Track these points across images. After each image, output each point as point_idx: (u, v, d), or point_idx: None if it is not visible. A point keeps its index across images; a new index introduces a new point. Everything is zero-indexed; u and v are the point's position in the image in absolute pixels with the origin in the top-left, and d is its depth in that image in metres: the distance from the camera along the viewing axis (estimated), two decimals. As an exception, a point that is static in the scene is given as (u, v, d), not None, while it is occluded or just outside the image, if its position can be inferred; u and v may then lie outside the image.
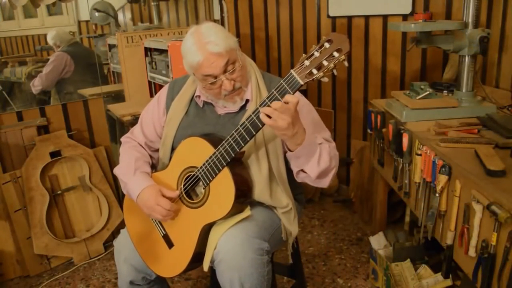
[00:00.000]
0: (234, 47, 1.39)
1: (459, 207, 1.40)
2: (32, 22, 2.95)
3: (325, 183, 1.41)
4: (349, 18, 2.82)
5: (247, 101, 1.47)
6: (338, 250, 2.48)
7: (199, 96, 1.52)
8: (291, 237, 1.53)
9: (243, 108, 1.48)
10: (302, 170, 1.37)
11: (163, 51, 2.48)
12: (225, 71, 1.36)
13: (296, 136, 1.25)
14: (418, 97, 1.88)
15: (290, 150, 1.31)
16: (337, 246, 2.52)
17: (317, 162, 1.33)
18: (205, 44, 1.34)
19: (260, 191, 1.43)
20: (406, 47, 2.60)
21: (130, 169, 1.49)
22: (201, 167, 1.38)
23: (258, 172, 1.42)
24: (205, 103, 1.52)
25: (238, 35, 3.16)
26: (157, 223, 1.51)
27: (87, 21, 3.11)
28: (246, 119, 1.28)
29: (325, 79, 1.18)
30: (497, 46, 2.13)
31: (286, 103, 1.18)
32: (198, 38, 1.36)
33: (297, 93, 1.28)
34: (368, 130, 2.22)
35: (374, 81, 2.82)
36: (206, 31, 1.37)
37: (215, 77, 1.37)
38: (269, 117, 1.20)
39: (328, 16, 2.89)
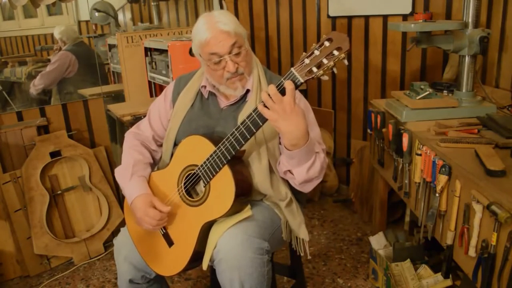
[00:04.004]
0: (243, 34, 1.44)
1: (459, 207, 1.40)
2: (32, 22, 2.95)
3: (307, 189, 1.42)
4: (349, 18, 2.82)
5: (247, 92, 1.48)
6: (338, 250, 2.48)
7: (204, 86, 1.54)
8: (301, 227, 1.53)
9: (243, 100, 1.49)
10: (289, 171, 1.38)
11: (163, 51, 2.48)
12: (230, 52, 1.39)
13: (290, 134, 1.23)
14: (418, 97, 1.88)
15: (285, 147, 1.30)
16: (337, 246, 2.52)
17: (307, 169, 1.33)
18: (215, 22, 1.39)
19: (261, 181, 1.43)
20: (406, 47, 2.61)
21: (127, 173, 1.50)
22: (201, 165, 1.39)
23: (258, 165, 1.43)
24: (210, 94, 1.54)
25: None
26: (157, 222, 1.51)
27: (87, 21, 3.11)
28: (247, 117, 1.28)
29: (325, 78, 1.18)
30: (497, 46, 2.13)
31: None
32: (209, 18, 1.42)
33: (297, 92, 1.28)
34: (368, 130, 2.22)
35: (374, 81, 2.83)
36: (218, 14, 1.43)
37: (220, 56, 1.40)
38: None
39: (328, 16, 2.89)
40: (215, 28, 1.38)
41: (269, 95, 1.19)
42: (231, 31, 1.38)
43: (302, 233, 1.54)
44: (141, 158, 1.56)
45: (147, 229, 1.45)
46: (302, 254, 1.58)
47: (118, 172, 1.54)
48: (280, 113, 1.19)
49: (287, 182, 1.50)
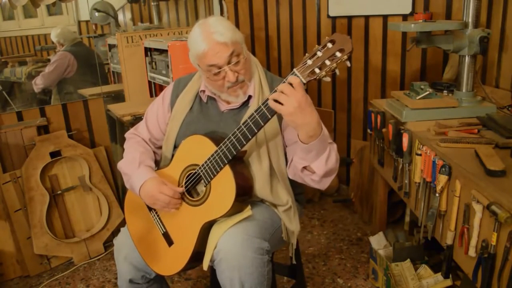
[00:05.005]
0: (240, 40, 1.41)
1: (459, 207, 1.40)
2: (32, 22, 2.95)
3: (325, 184, 1.39)
4: (349, 18, 2.82)
5: (249, 97, 1.47)
6: (338, 250, 2.48)
7: (203, 91, 1.53)
8: (293, 235, 1.53)
9: (245, 104, 1.48)
10: (306, 168, 1.35)
11: (163, 51, 2.48)
12: (229, 62, 1.38)
13: (307, 126, 1.21)
14: (418, 97, 1.88)
15: (302, 142, 1.27)
16: (337, 246, 2.52)
17: (326, 160, 1.31)
18: (211, 33, 1.36)
19: (260, 187, 1.43)
20: (406, 47, 2.60)
21: (134, 162, 1.50)
22: (202, 165, 1.39)
23: (259, 168, 1.42)
24: (209, 98, 1.54)
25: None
26: (157, 221, 1.51)
27: (87, 21, 3.11)
28: (249, 118, 1.28)
29: (327, 79, 1.18)
30: (497, 46, 2.13)
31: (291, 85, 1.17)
32: (204, 28, 1.39)
33: None
34: (368, 130, 2.22)
35: (374, 81, 2.83)
36: (213, 22, 1.39)
37: (219, 68, 1.38)
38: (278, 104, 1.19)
39: (328, 16, 2.89)
40: (212, 39, 1.36)
41: (281, 91, 1.17)
42: (227, 41, 1.36)
43: (293, 240, 1.54)
44: (145, 151, 1.57)
45: (161, 208, 1.44)
46: (290, 255, 1.61)
47: (124, 163, 1.54)
48: (295, 106, 1.17)
49: (288, 187, 1.50)
